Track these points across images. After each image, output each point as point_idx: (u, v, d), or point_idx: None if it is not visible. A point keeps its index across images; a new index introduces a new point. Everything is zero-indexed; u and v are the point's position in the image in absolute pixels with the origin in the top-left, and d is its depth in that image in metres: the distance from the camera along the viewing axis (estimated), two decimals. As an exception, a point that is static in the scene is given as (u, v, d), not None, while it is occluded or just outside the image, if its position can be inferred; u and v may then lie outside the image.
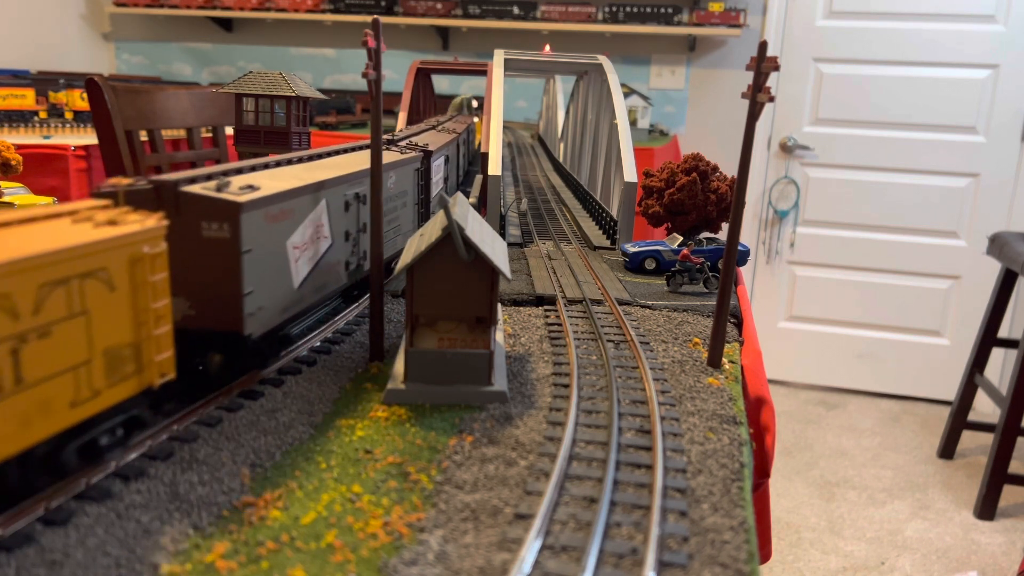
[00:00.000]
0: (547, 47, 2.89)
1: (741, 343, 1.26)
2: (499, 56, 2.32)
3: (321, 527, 0.68)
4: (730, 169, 1.57)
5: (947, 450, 4.10)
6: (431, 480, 0.76)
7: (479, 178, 2.36)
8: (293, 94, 1.39)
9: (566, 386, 1.00)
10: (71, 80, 3.99)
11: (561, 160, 3.41)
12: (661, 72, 4.98)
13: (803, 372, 5.07)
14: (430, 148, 1.62)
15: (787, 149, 4.82)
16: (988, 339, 3.91)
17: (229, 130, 2.44)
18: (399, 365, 0.99)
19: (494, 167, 1.88)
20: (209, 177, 0.90)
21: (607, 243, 1.95)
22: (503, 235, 1.92)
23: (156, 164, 2.50)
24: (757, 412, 1.09)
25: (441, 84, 4.93)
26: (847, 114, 4.71)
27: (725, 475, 0.78)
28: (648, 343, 1.19)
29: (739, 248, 1.13)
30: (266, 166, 1.06)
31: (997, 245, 3.75)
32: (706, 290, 1.53)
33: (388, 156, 1.36)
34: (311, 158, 1.21)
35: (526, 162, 3.84)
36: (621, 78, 2.58)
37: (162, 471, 0.73)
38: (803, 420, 4.55)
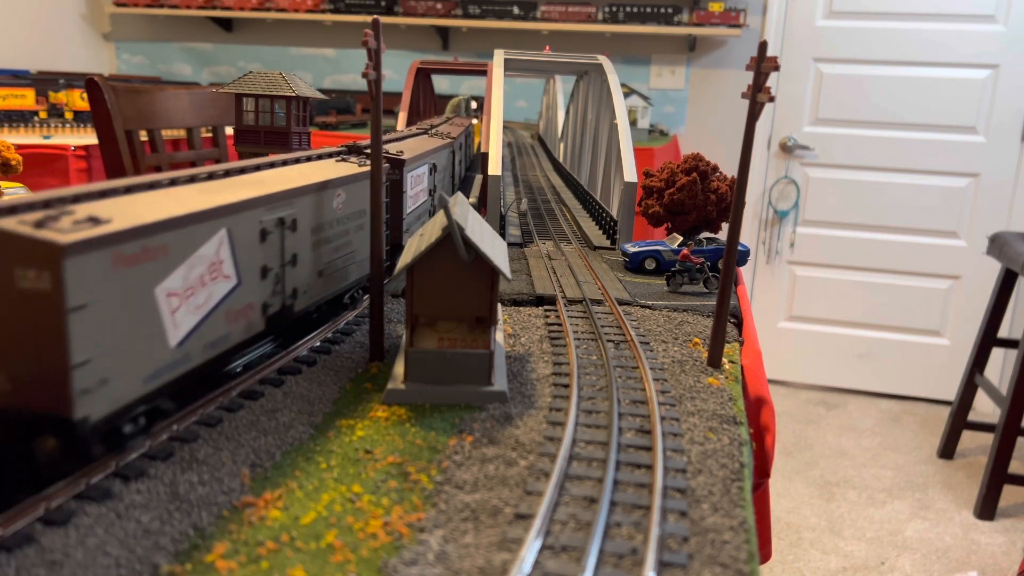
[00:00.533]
0: (548, 48, 2.89)
1: (741, 343, 1.26)
2: (499, 56, 2.32)
3: (321, 527, 0.68)
4: (730, 169, 1.57)
5: (947, 450, 4.10)
6: (431, 480, 0.76)
7: (479, 178, 2.36)
8: (293, 94, 1.39)
9: (566, 386, 1.00)
10: (71, 80, 3.99)
11: (561, 160, 3.41)
12: (661, 72, 4.98)
13: (803, 372, 5.07)
14: (402, 157, 1.40)
15: (787, 149, 4.82)
16: (988, 339, 3.91)
17: (229, 130, 2.44)
18: (399, 365, 0.99)
19: (494, 167, 1.88)
20: (47, 204, 0.70)
21: (607, 243, 1.95)
22: (503, 235, 1.92)
23: (156, 164, 2.50)
24: (757, 412, 1.09)
25: (441, 84, 4.93)
26: (847, 114, 4.71)
27: (725, 475, 0.78)
28: (648, 343, 1.19)
29: (739, 248, 1.13)
30: (152, 186, 0.84)
31: (997, 245, 3.75)
32: (706, 290, 1.53)
33: (339, 169, 1.15)
34: (227, 173, 0.98)
35: (526, 162, 3.84)
36: (621, 78, 2.58)
37: (162, 471, 0.73)
38: (803, 420, 4.55)
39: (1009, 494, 3.64)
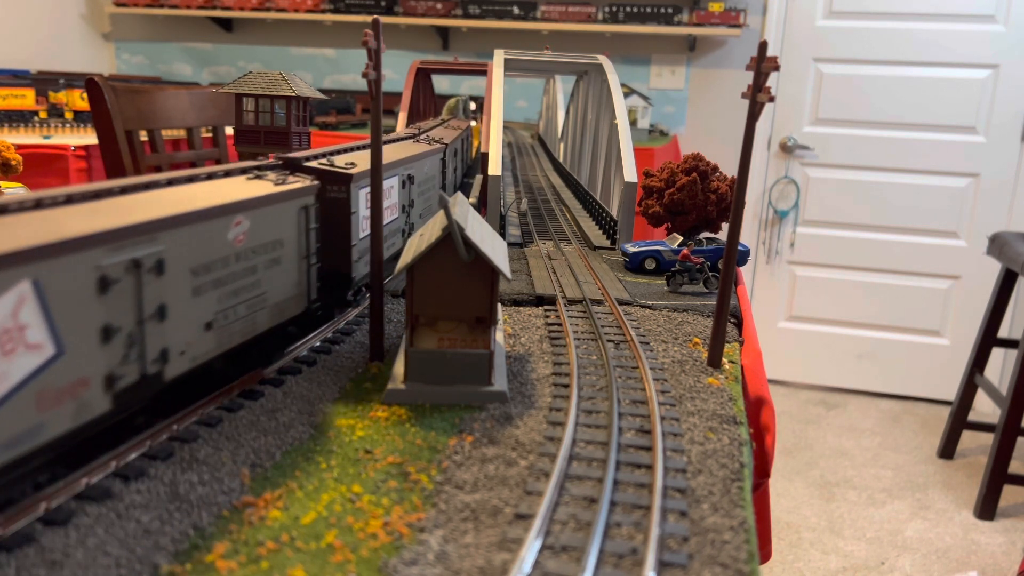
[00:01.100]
0: (547, 48, 2.89)
1: (741, 343, 1.26)
2: (499, 56, 2.32)
3: (321, 527, 0.68)
4: (730, 169, 1.57)
5: (947, 450, 4.10)
6: (431, 480, 0.76)
7: (479, 178, 2.36)
8: (293, 94, 1.39)
9: (566, 386, 1.00)
10: (71, 80, 3.99)
11: (561, 160, 3.41)
12: (661, 72, 4.98)
13: (803, 372, 5.07)
14: (350, 171, 1.14)
15: (787, 149, 4.82)
16: (988, 339, 3.91)
17: (229, 130, 2.45)
18: (399, 365, 0.99)
19: (494, 167, 1.88)
20: None
21: (607, 243, 1.95)
22: (503, 235, 1.92)
23: (156, 164, 2.50)
24: (757, 412, 1.09)
25: (441, 84, 4.92)
26: (847, 114, 4.71)
27: (725, 475, 0.78)
28: (648, 343, 1.19)
29: (739, 248, 1.13)
30: None
31: (997, 245, 3.75)
32: (706, 290, 1.53)
33: (246, 189, 0.93)
34: (37, 204, 0.69)
35: (526, 162, 3.84)
36: (621, 78, 2.58)
37: (162, 471, 0.73)
38: (803, 420, 4.55)
39: (1009, 494, 3.64)
